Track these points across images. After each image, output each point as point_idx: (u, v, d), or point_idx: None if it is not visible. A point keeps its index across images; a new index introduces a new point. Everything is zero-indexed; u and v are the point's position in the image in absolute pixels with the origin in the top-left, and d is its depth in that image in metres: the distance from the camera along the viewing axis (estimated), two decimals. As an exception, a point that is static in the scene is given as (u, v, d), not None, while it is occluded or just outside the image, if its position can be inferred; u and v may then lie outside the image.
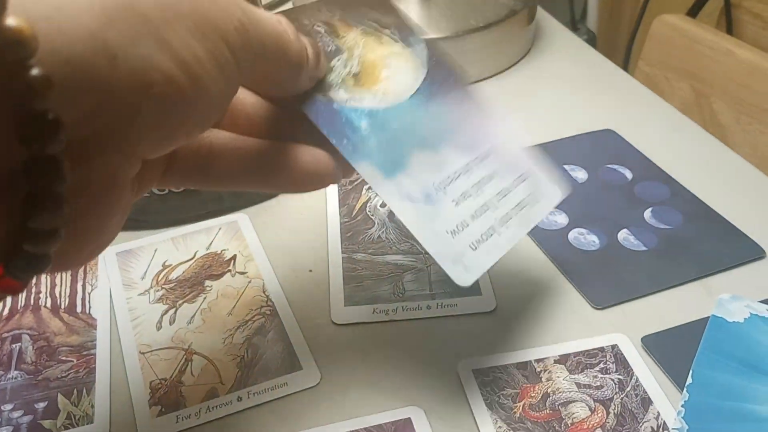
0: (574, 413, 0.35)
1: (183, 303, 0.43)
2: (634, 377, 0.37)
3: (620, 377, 0.37)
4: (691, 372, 0.37)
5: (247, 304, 0.43)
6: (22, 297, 0.43)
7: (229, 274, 0.45)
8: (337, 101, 0.32)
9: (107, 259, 0.46)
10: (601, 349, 0.39)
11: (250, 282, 0.44)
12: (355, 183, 0.52)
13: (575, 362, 0.38)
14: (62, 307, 0.43)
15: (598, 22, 1.14)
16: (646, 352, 0.39)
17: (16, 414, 0.36)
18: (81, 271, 0.46)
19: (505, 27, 0.65)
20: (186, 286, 0.44)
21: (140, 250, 0.47)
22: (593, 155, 0.54)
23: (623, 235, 0.46)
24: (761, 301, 0.41)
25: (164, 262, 0.46)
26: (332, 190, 0.51)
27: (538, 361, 0.38)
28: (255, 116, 0.32)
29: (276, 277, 0.44)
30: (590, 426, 0.35)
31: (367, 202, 0.50)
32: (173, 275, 0.45)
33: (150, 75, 0.22)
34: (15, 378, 0.38)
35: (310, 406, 0.37)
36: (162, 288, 0.44)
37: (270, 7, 0.77)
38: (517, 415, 0.35)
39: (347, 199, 0.50)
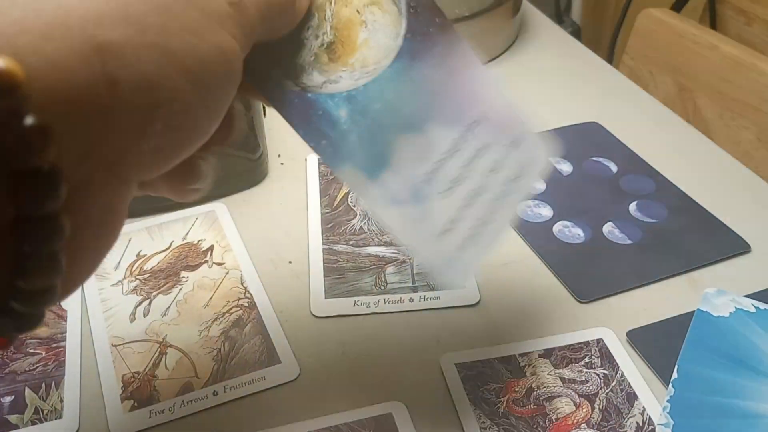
0: (558, 408, 0.35)
1: (158, 294, 0.42)
2: (620, 372, 0.36)
3: (605, 372, 0.36)
4: (676, 367, 0.36)
5: (225, 296, 0.41)
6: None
7: (206, 265, 0.44)
8: (311, 88, 0.29)
9: (79, 249, 0.45)
10: (586, 344, 0.38)
11: (227, 273, 0.43)
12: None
13: (560, 357, 0.37)
14: (32, 297, 0.41)
15: (583, 14, 1.13)
16: (631, 346, 0.38)
17: (-19, 408, 0.35)
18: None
19: (490, 18, 0.64)
20: (161, 277, 0.43)
21: (114, 239, 0.46)
22: (578, 148, 0.54)
23: (608, 229, 0.46)
24: (746, 296, 0.40)
25: (139, 252, 0.45)
26: (313, 180, 0.50)
27: (522, 355, 0.37)
28: None
29: (254, 269, 0.43)
30: (575, 421, 0.34)
31: (348, 192, 0.49)
32: (148, 265, 0.44)
33: (155, 95, 0.19)
34: (-19, 371, 0.37)
35: (288, 401, 0.36)
36: (136, 279, 0.43)
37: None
38: (501, 410, 0.35)
39: (328, 190, 0.49)
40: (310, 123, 0.29)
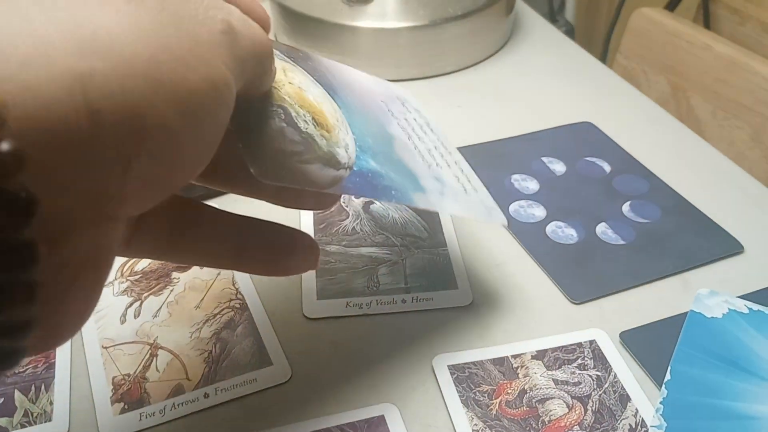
0: (551, 410, 0.35)
1: (148, 295, 0.41)
2: (612, 373, 0.36)
3: (598, 373, 0.36)
4: (669, 368, 0.36)
5: (216, 297, 0.41)
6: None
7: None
8: (348, 163, 0.29)
9: (70, 250, 0.44)
10: (579, 345, 0.38)
11: (219, 274, 0.43)
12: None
13: (553, 358, 0.37)
14: (21, 299, 0.41)
15: (577, 14, 1.13)
16: (624, 347, 0.38)
17: (-31, 411, 0.35)
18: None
19: (484, 17, 0.64)
20: (152, 278, 0.43)
21: (105, 240, 0.45)
22: (571, 148, 0.54)
23: (601, 229, 0.46)
24: (740, 297, 0.40)
25: (130, 253, 0.44)
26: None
27: (514, 356, 0.37)
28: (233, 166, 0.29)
29: (246, 270, 0.43)
30: (568, 423, 0.34)
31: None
32: (138, 266, 0.43)
33: (141, 126, 0.18)
34: (-31, 373, 0.36)
35: (280, 403, 0.35)
36: (127, 279, 0.42)
37: None
38: (494, 412, 0.34)
39: (321, 190, 0.49)
40: (374, 188, 0.30)
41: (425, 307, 0.40)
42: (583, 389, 0.35)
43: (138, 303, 0.41)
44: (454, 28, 0.62)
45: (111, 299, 0.41)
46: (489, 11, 0.64)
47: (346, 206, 0.47)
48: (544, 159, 0.52)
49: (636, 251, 0.44)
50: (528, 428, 0.34)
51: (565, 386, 0.36)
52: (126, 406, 0.35)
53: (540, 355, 0.37)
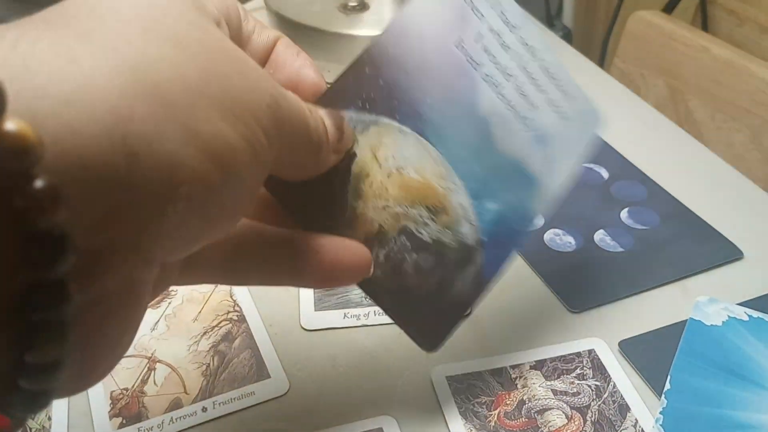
0: (550, 421, 0.34)
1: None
2: (612, 383, 0.36)
3: (597, 383, 0.36)
4: (669, 377, 0.36)
5: (214, 309, 0.41)
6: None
7: (195, 277, 0.43)
8: (476, 237, 0.31)
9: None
10: (578, 354, 0.38)
11: (216, 286, 0.43)
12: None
13: (551, 368, 0.37)
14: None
15: (574, 18, 1.13)
16: (623, 356, 0.38)
17: (-33, 428, 0.35)
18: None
19: (481, 22, 0.64)
20: (150, 291, 0.42)
21: (102, 252, 0.45)
22: (569, 154, 0.53)
23: (599, 236, 0.45)
24: (739, 304, 0.40)
25: (127, 266, 0.44)
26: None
27: (513, 367, 0.37)
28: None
29: (244, 281, 0.43)
30: (567, 435, 0.34)
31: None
32: (136, 279, 0.43)
33: (176, 173, 0.19)
34: (-33, 389, 0.36)
35: (278, 416, 0.35)
36: (124, 293, 0.42)
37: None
38: (492, 423, 0.34)
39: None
40: (508, 246, 0.32)
41: (423, 317, 0.40)
42: (583, 399, 0.35)
43: (135, 316, 0.41)
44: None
45: (108, 313, 0.41)
46: (486, 17, 0.64)
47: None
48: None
49: (635, 258, 0.44)
50: (527, 440, 0.34)
51: (564, 397, 0.35)
52: (124, 421, 0.35)
53: (539, 365, 0.37)
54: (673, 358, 0.37)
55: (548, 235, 0.46)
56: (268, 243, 0.28)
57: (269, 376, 0.37)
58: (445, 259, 0.30)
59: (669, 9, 0.89)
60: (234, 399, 0.36)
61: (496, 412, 0.35)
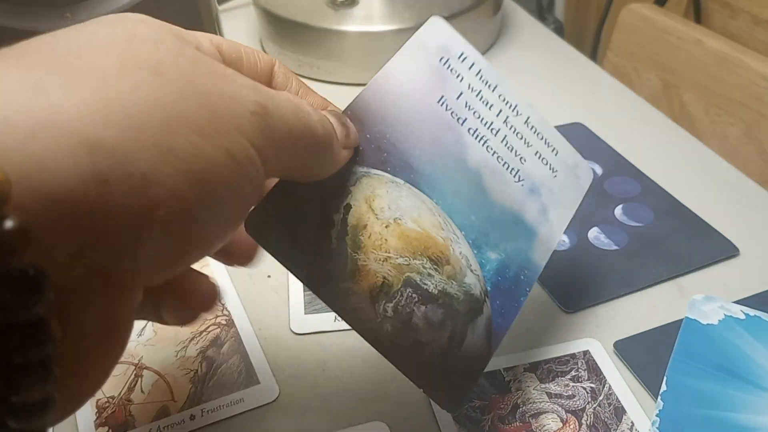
0: (545, 425, 0.34)
1: (133, 314, 0.40)
2: (607, 385, 0.35)
3: (592, 385, 0.35)
4: (665, 378, 0.35)
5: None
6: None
7: (182, 281, 0.42)
8: (481, 288, 0.30)
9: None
10: (573, 356, 0.37)
11: (205, 289, 0.42)
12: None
13: (546, 370, 0.36)
14: None
15: (566, 11, 1.12)
16: (618, 357, 0.37)
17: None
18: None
19: (471, 17, 0.63)
20: (136, 296, 0.42)
21: (88, 256, 0.44)
22: (562, 150, 0.53)
23: (593, 234, 0.45)
24: (736, 302, 0.39)
25: (113, 270, 0.43)
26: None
27: (507, 369, 0.36)
28: None
29: (232, 284, 0.42)
30: (562, 439, 0.33)
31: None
32: (123, 284, 0.42)
33: (151, 197, 0.18)
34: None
35: (267, 423, 0.35)
36: (110, 298, 0.41)
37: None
38: (486, 428, 0.34)
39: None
40: (513, 295, 0.32)
41: (415, 319, 0.39)
42: (578, 402, 0.35)
43: (122, 322, 0.40)
44: (441, 29, 0.61)
45: (94, 318, 0.40)
46: (476, 12, 0.63)
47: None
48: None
49: (629, 256, 0.43)
50: (522, 444, 0.33)
51: (559, 399, 0.35)
52: (110, 430, 0.34)
53: (533, 367, 0.36)
54: (669, 358, 0.36)
55: (542, 234, 0.45)
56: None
57: (259, 382, 0.36)
58: (453, 311, 0.29)
59: (662, 1, 0.88)
60: (222, 406, 0.35)
61: (490, 416, 0.34)
